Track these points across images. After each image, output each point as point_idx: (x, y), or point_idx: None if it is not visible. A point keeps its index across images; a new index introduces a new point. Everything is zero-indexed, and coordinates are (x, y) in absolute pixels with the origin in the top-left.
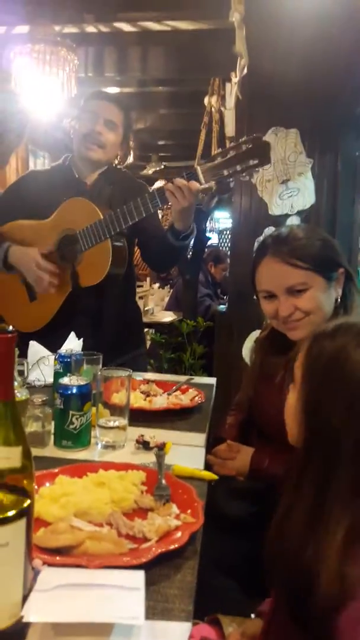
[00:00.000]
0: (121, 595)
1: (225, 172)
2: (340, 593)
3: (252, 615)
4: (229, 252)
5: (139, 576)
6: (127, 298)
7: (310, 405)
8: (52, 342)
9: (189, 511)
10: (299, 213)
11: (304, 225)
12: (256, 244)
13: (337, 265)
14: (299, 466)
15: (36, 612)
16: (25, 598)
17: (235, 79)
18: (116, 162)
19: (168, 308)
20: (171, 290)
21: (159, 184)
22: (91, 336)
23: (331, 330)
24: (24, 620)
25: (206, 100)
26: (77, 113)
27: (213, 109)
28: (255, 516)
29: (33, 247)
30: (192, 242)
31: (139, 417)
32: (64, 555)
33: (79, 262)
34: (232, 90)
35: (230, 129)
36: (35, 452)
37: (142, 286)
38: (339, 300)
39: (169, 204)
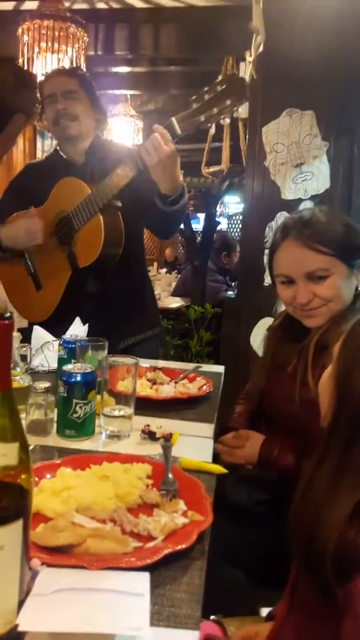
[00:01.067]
0: (124, 601)
1: (203, 118)
2: (353, 559)
3: (262, 610)
4: (237, 238)
5: (144, 579)
6: (134, 277)
7: (341, 380)
8: (61, 329)
9: (196, 508)
10: (312, 198)
11: (326, 209)
12: (268, 230)
13: (356, 256)
14: (323, 441)
15: (32, 620)
16: (22, 602)
17: (250, 58)
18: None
19: (175, 294)
20: (178, 276)
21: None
22: (100, 319)
23: None
24: (19, 629)
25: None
26: (41, 103)
27: None
28: (264, 504)
29: None
30: (200, 225)
31: (145, 405)
32: (64, 554)
33: (75, 242)
34: (246, 70)
35: (243, 110)
36: (37, 441)
37: (149, 271)
38: (358, 288)
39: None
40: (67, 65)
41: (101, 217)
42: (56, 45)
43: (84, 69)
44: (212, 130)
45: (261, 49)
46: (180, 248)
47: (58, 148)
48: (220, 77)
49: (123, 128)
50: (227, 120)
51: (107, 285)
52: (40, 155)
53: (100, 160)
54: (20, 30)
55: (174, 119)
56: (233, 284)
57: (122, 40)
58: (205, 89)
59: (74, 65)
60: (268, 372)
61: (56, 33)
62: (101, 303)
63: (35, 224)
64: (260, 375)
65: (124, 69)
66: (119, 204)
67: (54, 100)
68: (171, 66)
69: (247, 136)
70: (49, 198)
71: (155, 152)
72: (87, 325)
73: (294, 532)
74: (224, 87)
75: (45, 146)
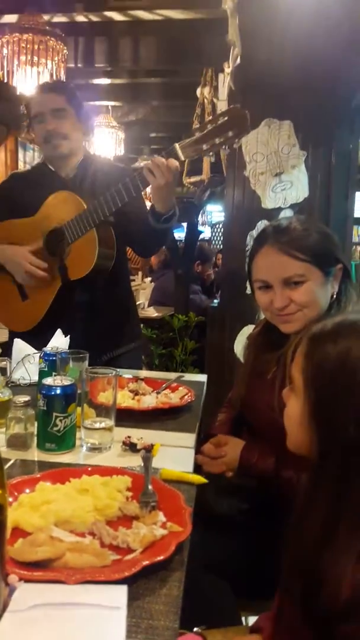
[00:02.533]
0: (101, 615)
1: (205, 147)
2: (353, 601)
3: (243, 619)
4: (221, 247)
5: (121, 593)
6: (120, 290)
7: (322, 415)
8: (47, 339)
9: (176, 519)
10: (292, 206)
11: (304, 218)
12: (249, 238)
13: (336, 260)
14: (313, 476)
15: (9, 637)
16: None
17: (228, 70)
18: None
19: (153, 302)
20: (153, 284)
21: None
22: (86, 331)
23: (331, 331)
24: None
25: (198, 91)
26: (29, 119)
27: (206, 101)
28: (245, 513)
29: (22, 245)
30: (182, 234)
31: (127, 417)
32: (43, 569)
33: (67, 255)
34: (224, 81)
35: None
36: (17, 455)
37: (134, 280)
38: (334, 296)
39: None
40: (47, 78)
41: (96, 232)
42: (36, 58)
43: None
44: None
45: (238, 60)
46: (164, 257)
47: (46, 162)
48: (221, 108)
49: (105, 139)
50: (228, 151)
51: (94, 297)
52: (22, 167)
53: (89, 175)
54: (0, 43)
55: (177, 145)
56: (212, 293)
57: (102, 53)
58: (209, 119)
59: (54, 78)
60: (248, 380)
61: (36, 46)
62: (87, 315)
63: (37, 271)
64: (241, 384)
65: (104, 81)
66: (112, 219)
67: (43, 119)
68: (151, 78)
69: (226, 147)
70: (41, 209)
71: (161, 177)
72: (68, 337)
73: (289, 571)
74: (226, 118)
75: (27, 157)
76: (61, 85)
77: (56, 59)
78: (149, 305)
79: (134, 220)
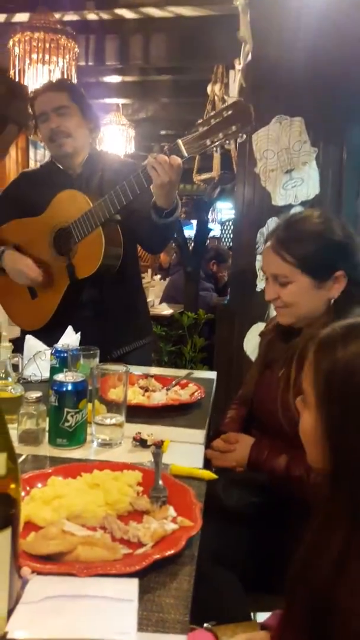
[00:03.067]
0: (112, 608)
1: (208, 142)
2: None
3: (256, 615)
4: (230, 244)
5: (133, 586)
6: (129, 287)
7: (335, 430)
8: (57, 338)
9: (186, 514)
10: (302, 203)
11: (322, 218)
12: (259, 235)
13: (333, 268)
14: (327, 494)
15: (22, 628)
16: (11, 611)
17: (239, 66)
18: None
19: (165, 299)
20: (164, 281)
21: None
22: (95, 328)
23: (339, 338)
24: (8, 637)
25: (209, 88)
26: (33, 118)
27: (216, 98)
28: (255, 507)
29: (31, 244)
30: (192, 232)
31: (137, 413)
32: (55, 562)
33: (74, 254)
34: (235, 78)
35: None
36: (28, 450)
37: (143, 278)
38: (332, 301)
39: None
40: (58, 76)
41: (102, 231)
42: (47, 56)
43: (75, 80)
44: None
45: (249, 57)
46: (174, 254)
47: (54, 160)
48: (226, 103)
49: (115, 137)
50: (232, 145)
51: (103, 294)
52: (33, 165)
53: (97, 172)
54: (11, 42)
55: (180, 141)
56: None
57: (113, 51)
58: (212, 113)
59: (65, 76)
60: (259, 377)
61: (47, 45)
62: (96, 312)
63: (36, 275)
64: (251, 381)
65: (114, 79)
66: (119, 217)
67: (46, 118)
68: (161, 75)
69: (237, 143)
70: (48, 208)
71: (164, 174)
72: (79, 334)
73: (294, 595)
74: (230, 112)
75: (37, 156)
76: (63, 83)
77: (67, 57)
78: (162, 302)
79: (141, 217)
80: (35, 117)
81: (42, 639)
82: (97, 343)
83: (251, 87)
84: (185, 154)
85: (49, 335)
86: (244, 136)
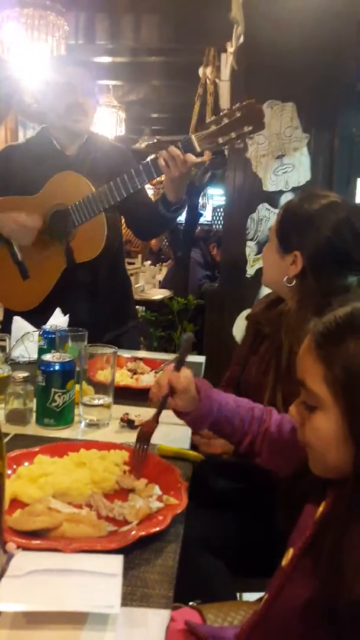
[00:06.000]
0: (97, 582)
1: (220, 140)
2: None
3: (242, 596)
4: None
5: (117, 561)
6: (120, 270)
7: None
8: (47, 319)
9: (172, 492)
10: (293, 190)
11: (331, 199)
12: (249, 221)
13: (291, 246)
14: (350, 501)
15: (6, 600)
16: None
17: (230, 49)
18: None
19: (163, 286)
20: (161, 268)
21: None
22: (87, 311)
23: (345, 328)
24: None
25: (201, 71)
26: (47, 82)
27: (208, 81)
28: (242, 492)
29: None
30: (183, 217)
31: (125, 395)
32: (40, 538)
33: (73, 237)
34: (227, 61)
35: (225, 101)
36: (16, 430)
37: (133, 263)
38: (292, 284)
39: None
40: (47, 54)
41: (104, 217)
42: (36, 33)
43: None
44: (194, 121)
45: (242, 39)
46: (165, 239)
47: (49, 134)
48: (238, 104)
49: (106, 119)
50: (242, 145)
51: (97, 278)
52: None
53: (90, 154)
54: None
55: (193, 137)
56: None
57: (103, 30)
58: (224, 111)
59: (55, 54)
60: (246, 358)
61: (36, 21)
62: (90, 295)
63: (33, 222)
64: (238, 362)
65: (105, 59)
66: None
67: (71, 90)
68: (152, 57)
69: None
70: (45, 188)
71: (176, 169)
72: (67, 316)
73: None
74: (242, 113)
75: (27, 135)
76: (88, 64)
77: (57, 35)
78: (162, 287)
79: (138, 203)
80: (55, 81)
81: (26, 611)
82: (89, 326)
83: (243, 70)
84: (198, 149)
85: (38, 317)
86: (253, 137)
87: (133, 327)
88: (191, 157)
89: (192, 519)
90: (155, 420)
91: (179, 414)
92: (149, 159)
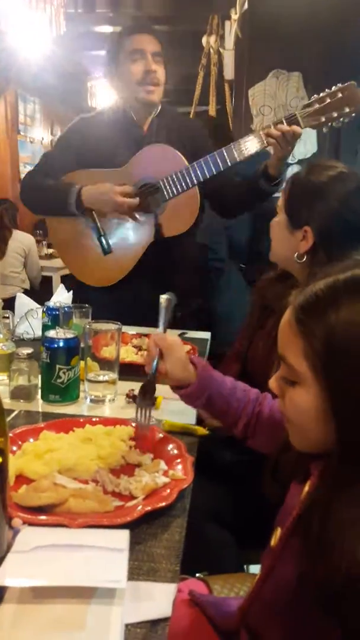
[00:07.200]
0: (103, 557)
1: (323, 119)
2: None
3: (249, 568)
4: None
5: (124, 536)
6: (199, 247)
7: (344, 395)
8: (129, 295)
9: (178, 467)
10: (299, 162)
11: (337, 169)
12: None
13: (301, 222)
14: (331, 477)
15: (13, 576)
16: (1, 559)
17: (235, 16)
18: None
19: None
20: None
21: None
22: (162, 288)
23: (327, 300)
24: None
25: (204, 40)
26: (113, 54)
27: (212, 50)
28: (248, 464)
29: None
30: None
31: (131, 371)
32: (46, 513)
33: (162, 211)
34: (231, 29)
35: (229, 71)
36: (22, 406)
37: None
38: (303, 260)
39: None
40: (46, 24)
41: (198, 192)
42: (34, 2)
43: (64, 29)
44: (198, 93)
45: (246, 6)
46: None
47: (125, 107)
48: (339, 85)
49: (107, 90)
50: (340, 125)
51: (177, 253)
52: (22, 120)
53: (164, 128)
54: None
55: (298, 114)
56: None
57: None
58: (326, 92)
59: (53, 24)
60: (252, 332)
61: None
62: (170, 271)
63: (128, 203)
64: (243, 336)
65: (106, 29)
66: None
67: (143, 57)
68: (155, 25)
69: (233, 98)
70: (132, 161)
71: (286, 145)
72: (71, 292)
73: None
74: (344, 94)
75: (27, 110)
76: (157, 31)
77: (55, 3)
78: None
79: (226, 179)
80: (123, 51)
81: (32, 586)
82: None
83: (247, 38)
84: (302, 126)
85: (120, 291)
86: (353, 117)
87: (203, 308)
88: (298, 130)
89: (198, 491)
90: (153, 381)
91: (174, 388)
92: (251, 134)
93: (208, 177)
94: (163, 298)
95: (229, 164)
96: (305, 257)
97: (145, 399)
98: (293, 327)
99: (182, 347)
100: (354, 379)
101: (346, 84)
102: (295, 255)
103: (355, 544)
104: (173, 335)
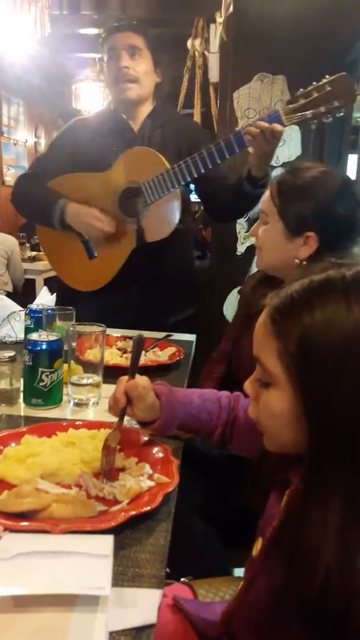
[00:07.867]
0: (87, 563)
1: (309, 115)
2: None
3: (235, 571)
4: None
5: (108, 542)
6: (185, 252)
7: (317, 398)
8: (115, 299)
9: (163, 471)
10: (284, 165)
11: (326, 172)
12: None
13: (303, 227)
14: (307, 480)
15: None
16: None
17: (220, 19)
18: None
19: None
20: None
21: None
22: (153, 293)
23: (301, 303)
24: None
25: (189, 43)
26: (101, 57)
27: (196, 53)
28: (235, 459)
29: (92, 202)
30: None
31: (115, 374)
32: (28, 519)
33: (144, 216)
34: (216, 32)
35: (214, 74)
36: (4, 410)
37: None
38: (300, 263)
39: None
40: (30, 25)
41: (179, 195)
42: (18, 3)
43: (49, 30)
44: (183, 95)
45: (231, 9)
46: None
47: (115, 107)
48: (327, 77)
49: (92, 93)
50: (330, 120)
51: (163, 259)
52: (6, 122)
53: (158, 128)
54: None
55: (280, 110)
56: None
57: (88, 0)
58: (313, 85)
59: (37, 26)
60: (237, 334)
61: None
62: (155, 277)
63: (107, 225)
64: (227, 338)
65: (91, 31)
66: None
67: (116, 55)
68: None
69: (217, 101)
70: (115, 164)
71: (265, 143)
72: (54, 295)
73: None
74: (332, 87)
75: (11, 112)
76: (141, 26)
77: (40, 4)
78: None
79: (217, 184)
80: (102, 56)
81: (14, 594)
82: (156, 307)
83: (232, 41)
84: (285, 123)
85: (106, 296)
86: (342, 112)
87: (193, 315)
88: (278, 128)
89: (184, 486)
90: (118, 430)
91: (142, 424)
92: (231, 134)
93: (189, 179)
94: (134, 339)
95: (210, 165)
96: (306, 263)
97: (110, 452)
98: (268, 327)
99: (151, 391)
100: (327, 381)
101: (336, 75)
102: (296, 262)
103: (331, 554)
104: (142, 379)
